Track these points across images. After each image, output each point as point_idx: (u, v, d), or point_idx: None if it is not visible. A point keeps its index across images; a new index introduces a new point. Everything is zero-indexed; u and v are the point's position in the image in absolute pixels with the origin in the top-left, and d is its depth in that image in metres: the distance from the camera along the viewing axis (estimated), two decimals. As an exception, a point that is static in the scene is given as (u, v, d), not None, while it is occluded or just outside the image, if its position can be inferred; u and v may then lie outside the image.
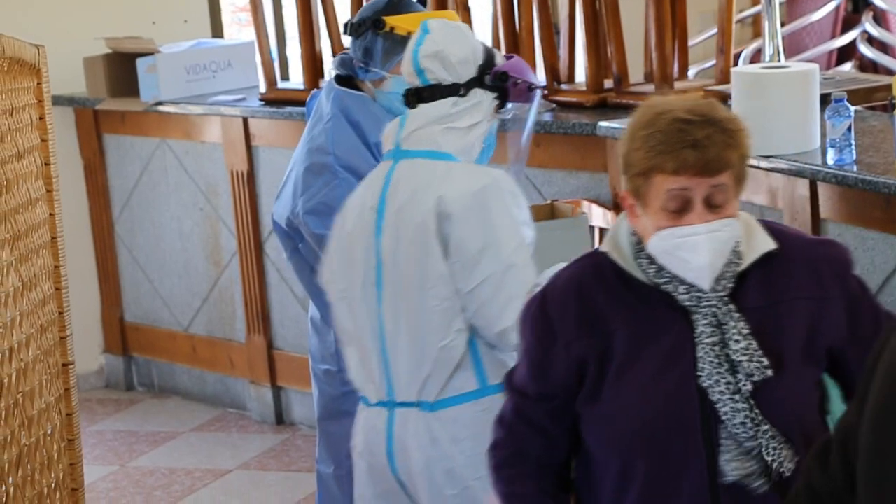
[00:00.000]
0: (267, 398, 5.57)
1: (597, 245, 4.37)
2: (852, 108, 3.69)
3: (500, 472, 2.56)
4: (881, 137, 3.88)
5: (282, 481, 5.05)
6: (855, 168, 3.61)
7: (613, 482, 2.47)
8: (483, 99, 3.07)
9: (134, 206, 5.89)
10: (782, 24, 5.57)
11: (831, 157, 3.65)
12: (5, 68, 2.89)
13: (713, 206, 2.41)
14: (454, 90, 3.05)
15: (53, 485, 3.02)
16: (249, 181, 5.44)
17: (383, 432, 3.03)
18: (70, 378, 3.08)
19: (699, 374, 2.41)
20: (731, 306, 2.44)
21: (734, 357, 2.42)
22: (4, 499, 2.81)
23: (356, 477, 3.13)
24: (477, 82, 3.07)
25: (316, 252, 3.49)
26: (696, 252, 2.40)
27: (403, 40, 3.50)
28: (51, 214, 3.04)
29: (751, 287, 2.47)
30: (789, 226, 2.62)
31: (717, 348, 2.42)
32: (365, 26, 3.52)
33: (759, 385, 2.41)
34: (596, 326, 2.47)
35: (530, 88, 3.18)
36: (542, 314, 2.51)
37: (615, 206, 4.41)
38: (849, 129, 3.64)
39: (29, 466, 2.92)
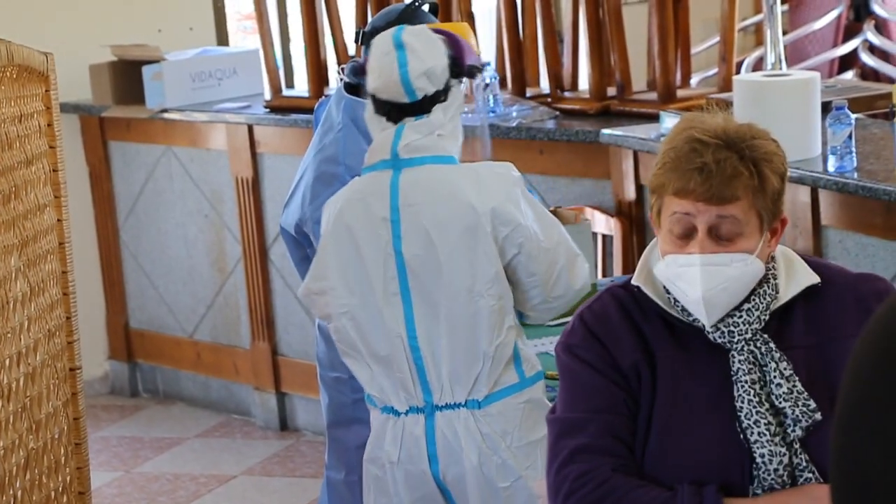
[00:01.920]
0: (271, 404, 5.59)
1: (598, 252, 4.40)
2: (853, 115, 3.71)
3: (613, 487, 2.30)
4: (882, 145, 3.90)
5: (286, 487, 5.07)
6: (856, 175, 3.63)
7: None
8: (457, 93, 3.11)
9: (139, 213, 5.92)
10: (784, 33, 5.61)
11: (832, 164, 3.67)
12: (14, 75, 2.91)
13: (720, 238, 2.29)
14: (437, 97, 3.06)
15: (61, 488, 3.04)
16: (254, 188, 5.47)
17: (423, 438, 3.04)
18: (77, 382, 3.10)
19: (738, 412, 2.30)
20: (771, 345, 2.33)
21: (777, 403, 2.30)
22: (12, 502, 2.83)
23: (386, 487, 3.10)
24: (451, 81, 3.09)
25: None
26: (691, 284, 2.29)
27: None
28: (59, 220, 3.06)
29: (796, 324, 2.36)
30: (827, 260, 2.50)
31: (756, 387, 2.30)
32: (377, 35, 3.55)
33: (808, 430, 2.29)
34: (647, 352, 2.35)
35: (480, 70, 3.23)
36: (594, 340, 2.37)
37: (618, 213, 4.43)
38: (850, 136, 3.67)
39: (36, 470, 2.94)
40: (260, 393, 5.63)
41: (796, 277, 2.38)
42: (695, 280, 2.29)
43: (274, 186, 5.42)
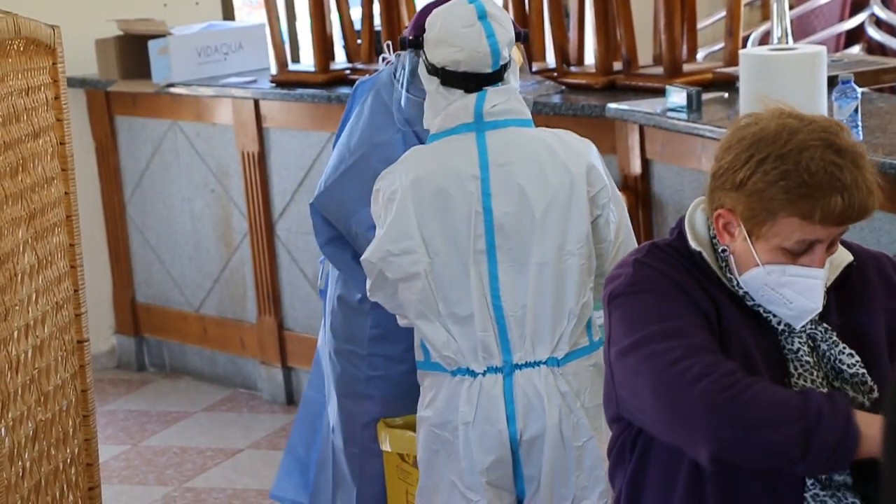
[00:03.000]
0: (277, 378, 5.61)
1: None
2: (859, 89, 3.71)
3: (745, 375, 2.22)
4: (888, 119, 3.90)
5: (292, 460, 5.09)
6: (862, 149, 3.64)
7: (686, 484, 2.31)
8: (513, 58, 3.14)
9: (145, 188, 5.93)
10: (791, 7, 5.59)
11: (838, 138, 3.67)
12: (21, 48, 2.92)
13: (830, 248, 2.29)
14: (508, 64, 3.10)
15: (69, 460, 3.06)
16: (260, 163, 5.47)
17: (501, 398, 3.06)
18: (85, 355, 3.12)
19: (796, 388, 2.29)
20: (825, 325, 2.34)
21: (850, 370, 2.30)
22: (21, 473, 2.85)
23: (456, 451, 3.09)
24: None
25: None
26: (808, 296, 2.28)
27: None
28: (66, 193, 3.07)
29: (830, 302, 2.37)
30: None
31: (816, 367, 2.31)
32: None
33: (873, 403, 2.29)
34: (714, 303, 2.31)
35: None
36: (659, 276, 2.31)
37: (624, 188, 4.44)
38: (856, 110, 3.67)
39: (45, 442, 2.96)
40: (266, 367, 5.65)
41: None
42: (815, 292, 2.29)
43: (280, 161, 5.42)
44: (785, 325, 2.35)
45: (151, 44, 5.64)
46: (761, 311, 2.35)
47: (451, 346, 3.07)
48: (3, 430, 2.78)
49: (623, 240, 3.15)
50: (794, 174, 2.22)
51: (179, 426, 5.48)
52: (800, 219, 2.23)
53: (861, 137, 3.68)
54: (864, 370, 2.32)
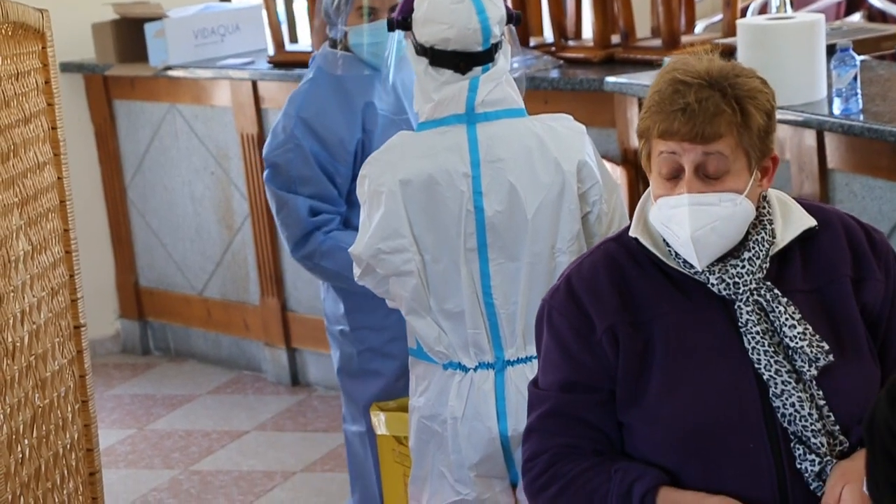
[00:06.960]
0: (282, 360, 5.60)
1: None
2: (858, 57, 3.69)
3: (556, 475, 2.37)
4: (888, 86, 3.88)
5: (298, 441, 5.08)
6: (861, 117, 3.61)
7: None
8: (505, 39, 3.04)
9: (146, 172, 5.91)
10: (790, -24, 5.54)
11: (837, 106, 3.65)
12: (9, 33, 2.90)
13: (707, 177, 2.28)
14: (499, 44, 3.00)
15: (69, 445, 3.05)
16: (260, 144, 5.44)
17: (491, 394, 3.01)
18: (82, 340, 3.10)
19: (756, 365, 2.29)
20: (776, 291, 2.32)
21: (792, 343, 2.28)
22: (21, 459, 2.84)
23: (446, 444, 3.05)
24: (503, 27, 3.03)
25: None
26: (680, 225, 2.28)
27: None
28: (59, 178, 3.05)
29: (795, 268, 2.35)
30: (821, 203, 2.51)
31: (767, 336, 2.30)
32: None
33: (820, 372, 2.28)
34: (635, 313, 2.33)
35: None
36: (572, 303, 2.37)
37: (624, 162, 4.41)
38: (854, 78, 3.64)
39: (44, 428, 2.95)
40: (270, 349, 5.64)
41: (792, 220, 2.37)
42: (683, 220, 2.28)
43: (279, 142, 5.39)
44: (727, 290, 2.32)
45: (148, 27, 5.62)
46: (703, 278, 2.32)
47: (443, 341, 3.03)
48: (1, 416, 2.77)
49: (616, 229, 3.04)
50: (650, 98, 2.31)
51: (185, 409, 5.47)
52: (656, 136, 2.29)
53: (861, 105, 3.65)
54: (806, 342, 2.28)
